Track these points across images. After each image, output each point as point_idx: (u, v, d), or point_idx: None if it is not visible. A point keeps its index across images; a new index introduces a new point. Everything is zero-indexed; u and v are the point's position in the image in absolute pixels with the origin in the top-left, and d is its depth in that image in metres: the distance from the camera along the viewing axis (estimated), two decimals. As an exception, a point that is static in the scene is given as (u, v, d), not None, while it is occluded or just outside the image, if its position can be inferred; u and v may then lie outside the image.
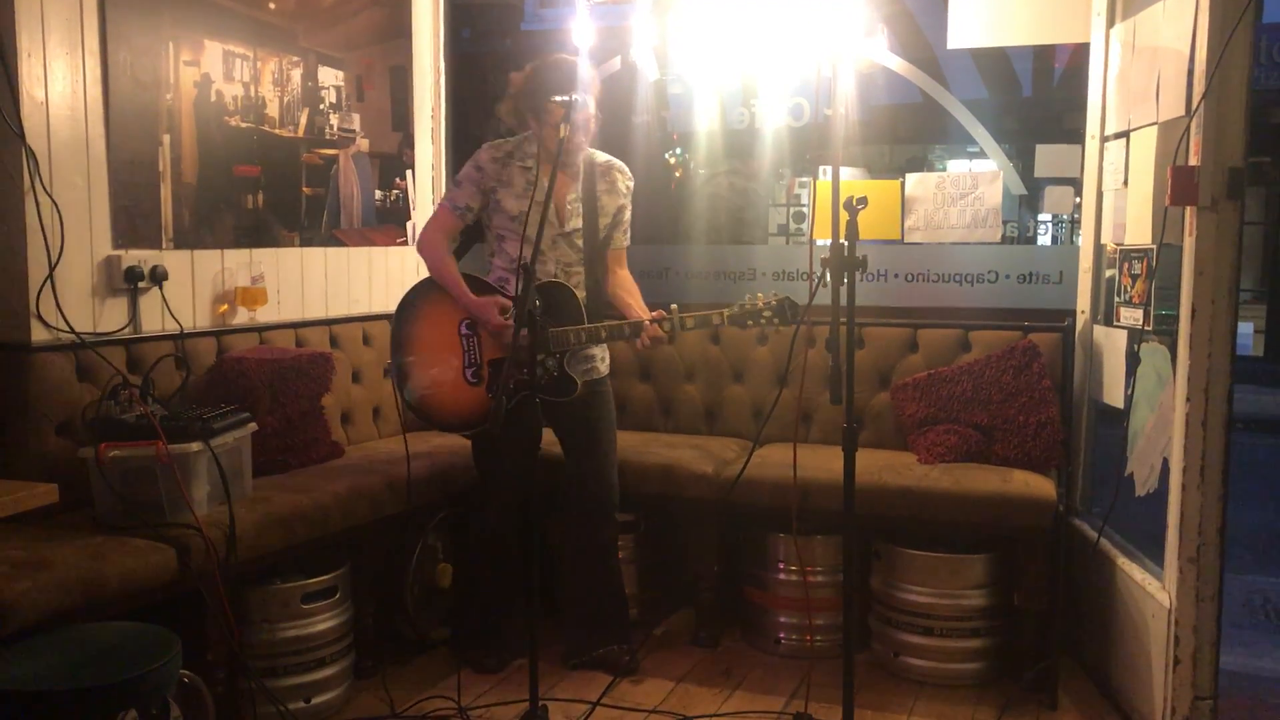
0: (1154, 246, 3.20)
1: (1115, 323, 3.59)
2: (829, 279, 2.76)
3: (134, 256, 3.45)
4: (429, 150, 4.85)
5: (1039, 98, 4.37)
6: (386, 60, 4.59)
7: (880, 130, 4.66)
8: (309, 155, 4.18)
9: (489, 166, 3.49)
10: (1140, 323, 3.34)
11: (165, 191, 3.58)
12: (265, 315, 3.93)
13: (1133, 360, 3.37)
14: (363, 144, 4.44)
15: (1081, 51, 3.94)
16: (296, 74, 4.10)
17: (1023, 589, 3.50)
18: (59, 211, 3.20)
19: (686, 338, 4.33)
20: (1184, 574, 2.94)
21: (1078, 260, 3.96)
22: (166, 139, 3.58)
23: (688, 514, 3.85)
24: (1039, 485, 3.51)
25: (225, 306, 3.81)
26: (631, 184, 3.65)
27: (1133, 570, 3.28)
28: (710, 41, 4.53)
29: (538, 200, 3.29)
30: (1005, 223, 4.26)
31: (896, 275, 4.32)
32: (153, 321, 3.53)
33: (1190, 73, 2.91)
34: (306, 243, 4.17)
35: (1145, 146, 3.31)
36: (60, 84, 3.22)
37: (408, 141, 4.72)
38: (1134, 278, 3.42)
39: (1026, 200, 4.39)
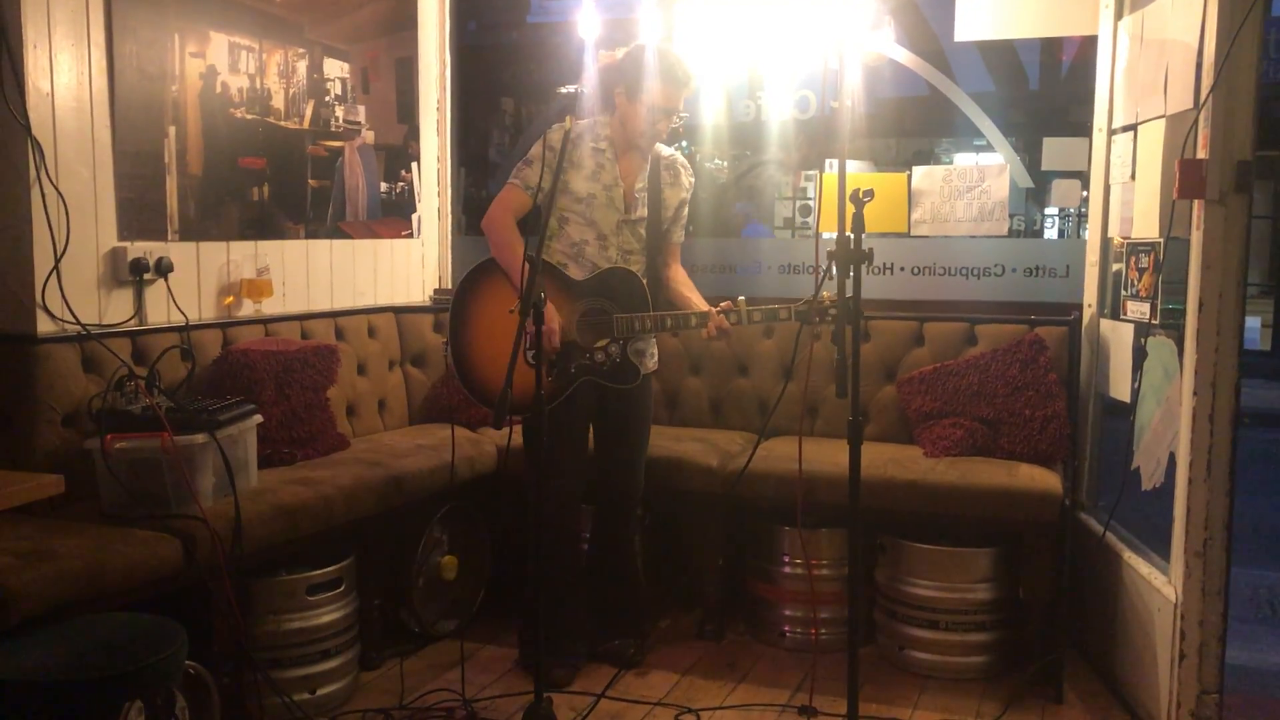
0: (1161, 240, 3.19)
1: (1122, 316, 3.58)
2: (835, 272, 2.76)
3: (139, 248, 3.45)
4: (434, 142, 4.85)
5: (1046, 90, 4.36)
6: (392, 52, 4.58)
7: (887, 123, 4.64)
8: (314, 147, 4.18)
9: (560, 146, 3.37)
10: (1147, 316, 3.33)
11: (171, 183, 3.58)
12: (270, 307, 3.94)
13: (1139, 354, 3.36)
14: (368, 136, 4.44)
15: (1089, 44, 3.92)
16: (302, 66, 4.09)
17: (1028, 583, 3.50)
18: (64, 203, 3.20)
19: (692, 329, 4.32)
20: (1190, 568, 2.94)
21: (1084, 254, 3.95)
22: (172, 131, 3.58)
23: (693, 507, 3.84)
24: (1045, 479, 3.50)
25: (231, 298, 3.81)
26: (694, 180, 3.65)
27: (1139, 564, 3.28)
28: (717, 34, 4.52)
29: (602, 185, 3.39)
30: (1012, 216, 4.25)
31: (903, 268, 4.31)
32: (158, 313, 3.54)
33: (1199, 66, 2.90)
34: (312, 235, 4.17)
35: (1153, 140, 3.29)
36: (66, 76, 3.22)
37: (413, 134, 4.72)
38: (1141, 271, 3.41)
39: (1033, 193, 4.37)
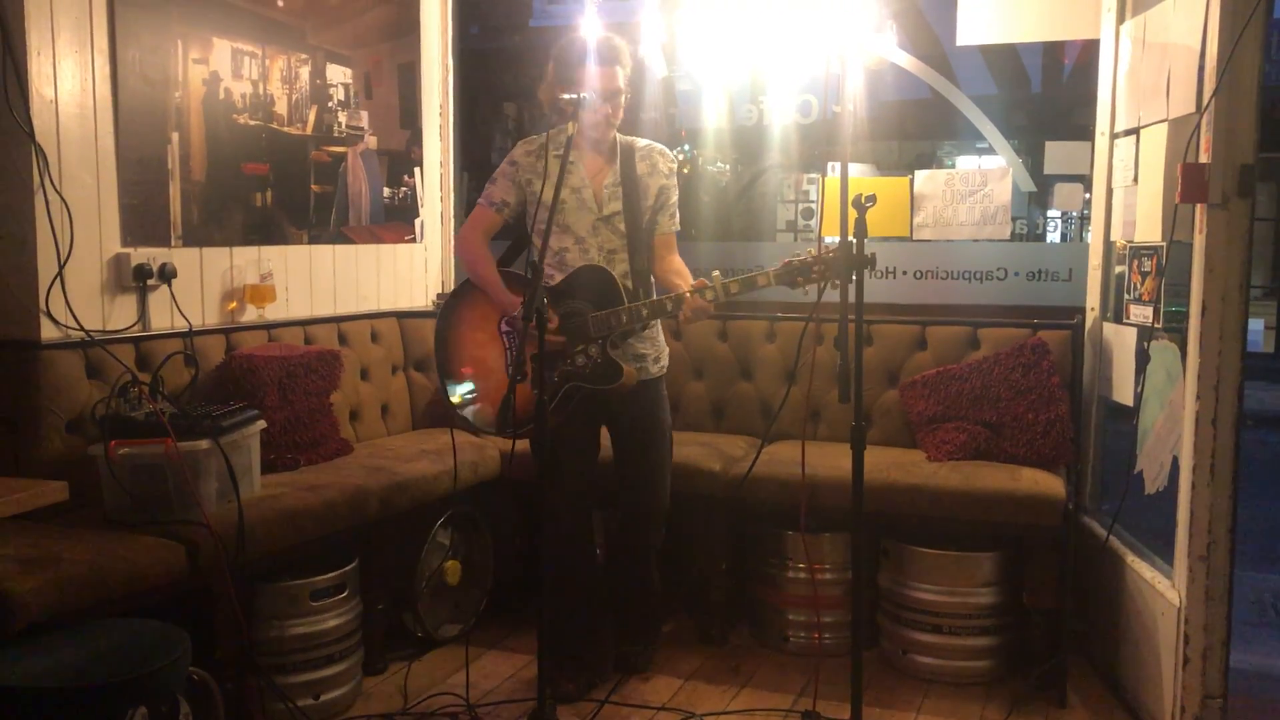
0: (1164, 244, 3.19)
1: (1125, 320, 3.58)
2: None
3: (143, 254, 3.46)
4: (437, 147, 4.85)
5: (1048, 94, 4.36)
6: (395, 57, 4.59)
7: (889, 127, 4.65)
8: (317, 153, 4.19)
9: (523, 160, 3.42)
10: (1150, 320, 3.33)
11: (174, 189, 3.59)
12: (274, 313, 3.94)
13: (1142, 358, 3.36)
14: (371, 141, 4.45)
15: (1091, 47, 3.92)
16: (305, 71, 4.10)
17: (1032, 587, 3.50)
18: (68, 209, 3.21)
19: (694, 333, 4.33)
20: (1194, 572, 2.93)
21: (1087, 257, 3.95)
22: (175, 137, 3.58)
23: (696, 511, 3.84)
24: (1048, 483, 3.50)
25: (234, 304, 3.82)
26: (674, 165, 3.49)
27: (1142, 568, 3.27)
28: (718, 38, 4.52)
29: (547, 188, 3.24)
30: (1014, 220, 4.25)
31: (905, 272, 4.31)
32: (162, 319, 3.54)
33: (1201, 69, 2.90)
34: (315, 240, 4.18)
35: (1155, 143, 3.29)
36: (69, 82, 3.23)
37: (416, 138, 4.72)
38: (1144, 275, 3.41)
39: (1036, 197, 4.37)
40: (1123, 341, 3.62)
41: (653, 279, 3.48)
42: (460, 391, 3.43)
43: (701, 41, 4.55)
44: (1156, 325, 3.29)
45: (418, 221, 4.74)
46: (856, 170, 4.62)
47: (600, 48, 3.29)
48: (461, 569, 3.87)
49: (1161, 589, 3.09)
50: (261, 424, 3.27)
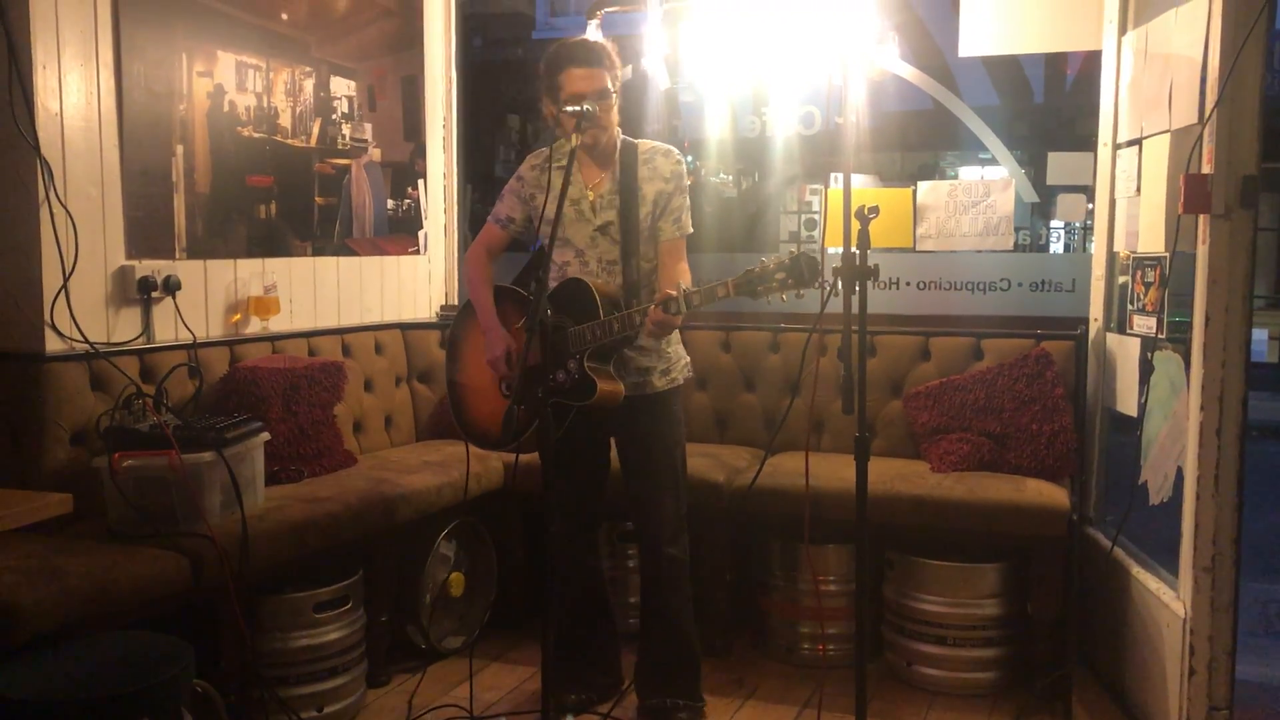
0: (1167, 254, 3.19)
1: (1128, 331, 3.58)
2: (841, 287, 2.75)
3: (147, 266, 3.47)
4: (441, 159, 4.86)
5: (1051, 105, 4.38)
6: (398, 70, 4.60)
7: (891, 138, 4.66)
8: (321, 165, 4.20)
9: (528, 175, 3.36)
10: (1154, 330, 3.33)
11: (178, 201, 3.60)
12: (278, 324, 3.95)
13: (1146, 368, 3.36)
14: (375, 153, 4.46)
15: (1093, 59, 3.93)
16: (309, 84, 4.11)
17: (1036, 598, 3.49)
18: (73, 222, 3.22)
19: (697, 344, 4.32)
20: (1199, 583, 2.92)
21: (1090, 268, 3.95)
22: (180, 149, 3.60)
23: (700, 523, 3.82)
24: (1052, 494, 3.50)
25: (238, 316, 3.83)
26: (680, 168, 3.26)
27: (1147, 579, 3.27)
28: (721, 50, 4.53)
29: (570, 201, 3.15)
30: (1017, 230, 4.25)
31: (908, 283, 4.31)
32: (166, 331, 3.55)
33: (1203, 80, 2.90)
34: (319, 252, 4.19)
35: (1158, 154, 3.30)
36: (75, 95, 3.24)
37: (420, 151, 4.74)
38: (1147, 285, 3.41)
39: (1039, 208, 4.38)
40: (1126, 352, 3.61)
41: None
42: (455, 402, 3.44)
43: (704, 54, 4.56)
44: (1160, 336, 3.29)
45: (421, 233, 4.75)
46: (859, 181, 4.62)
47: (577, 50, 3.19)
48: (465, 581, 3.87)
49: (1166, 600, 3.08)
50: (265, 436, 3.27)
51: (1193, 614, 2.93)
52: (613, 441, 3.39)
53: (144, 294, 3.45)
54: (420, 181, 4.74)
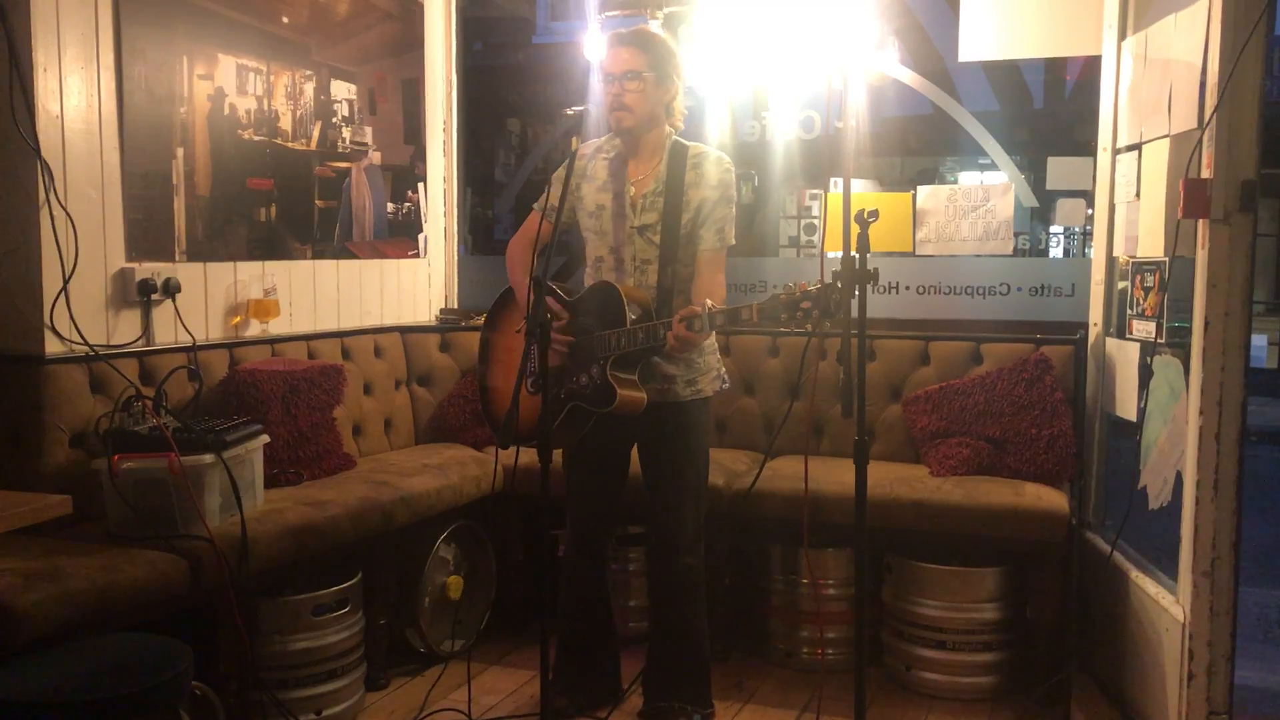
0: (1166, 259, 3.19)
1: (1128, 335, 3.58)
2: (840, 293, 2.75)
3: (147, 269, 3.47)
4: (441, 163, 4.87)
5: (1050, 110, 4.38)
6: (399, 73, 4.61)
7: (891, 142, 4.67)
8: (322, 168, 4.20)
9: (575, 163, 3.21)
10: (1153, 335, 3.33)
11: (179, 204, 3.60)
12: (277, 327, 3.95)
13: (1145, 373, 3.36)
14: (375, 157, 4.46)
15: (1093, 64, 3.93)
16: (309, 87, 4.12)
17: (1035, 602, 3.49)
18: (73, 224, 3.22)
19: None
20: (1198, 588, 2.92)
21: (1090, 273, 3.95)
22: (180, 152, 3.60)
23: (699, 526, 3.84)
24: (1051, 498, 3.50)
25: (238, 318, 3.83)
26: (729, 176, 3.19)
27: (1146, 584, 3.26)
28: (721, 54, 4.54)
29: (612, 195, 3.14)
30: (1017, 235, 4.25)
31: (908, 288, 4.31)
32: (166, 333, 3.55)
33: (1202, 85, 2.91)
34: (319, 255, 4.19)
35: (1157, 159, 3.30)
36: (75, 98, 3.25)
37: (420, 154, 4.74)
38: (1146, 290, 3.41)
39: (1038, 212, 4.39)
40: (1126, 357, 3.62)
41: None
42: (485, 394, 3.42)
43: (704, 58, 4.57)
44: (1160, 340, 3.29)
45: (421, 237, 4.75)
46: (859, 186, 4.63)
47: (619, 32, 3.18)
48: (464, 584, 3.86)
49: (1165, 604, 3.08)
50: (265, 438, 3.27)
51: (1192, 618, 2.93)
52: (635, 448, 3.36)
53: (144, 296, 3.46)
54: (420, 185, 4.74)
